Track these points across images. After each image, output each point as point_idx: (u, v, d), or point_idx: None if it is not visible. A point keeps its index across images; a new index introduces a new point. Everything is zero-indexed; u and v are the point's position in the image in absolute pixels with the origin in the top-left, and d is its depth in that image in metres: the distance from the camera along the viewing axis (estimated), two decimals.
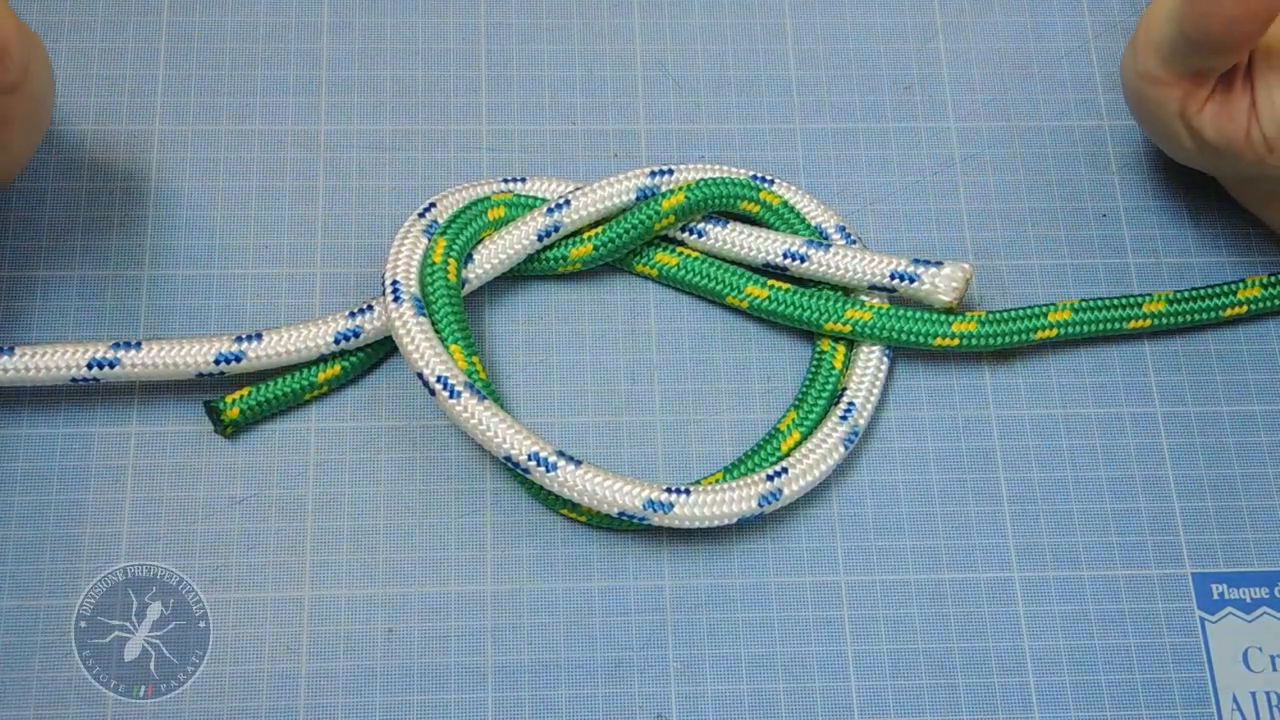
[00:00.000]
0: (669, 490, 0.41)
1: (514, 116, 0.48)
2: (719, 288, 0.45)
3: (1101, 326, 0.45)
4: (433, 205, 0.44)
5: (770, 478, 0.42)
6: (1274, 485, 0.45)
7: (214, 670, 0.41)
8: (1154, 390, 0.46)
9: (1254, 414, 0.46)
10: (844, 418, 0.43)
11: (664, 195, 0.44)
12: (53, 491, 0.42)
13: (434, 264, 0.42)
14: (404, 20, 0.49)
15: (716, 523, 0.41)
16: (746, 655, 0.42)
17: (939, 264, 0.44)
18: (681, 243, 0.46)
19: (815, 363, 0.45)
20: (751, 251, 0.45)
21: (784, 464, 0.42)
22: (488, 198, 0.45)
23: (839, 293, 0.45)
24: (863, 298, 0.45)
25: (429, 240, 0.43)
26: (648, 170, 0.45)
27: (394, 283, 0.42)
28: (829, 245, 0.44)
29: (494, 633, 0.42)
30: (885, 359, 0.44)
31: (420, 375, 0.41)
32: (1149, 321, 0.45)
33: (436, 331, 0.42)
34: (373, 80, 0.48)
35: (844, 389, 0.44)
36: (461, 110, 0.48)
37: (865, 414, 0.44)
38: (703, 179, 0.45)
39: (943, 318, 0.44)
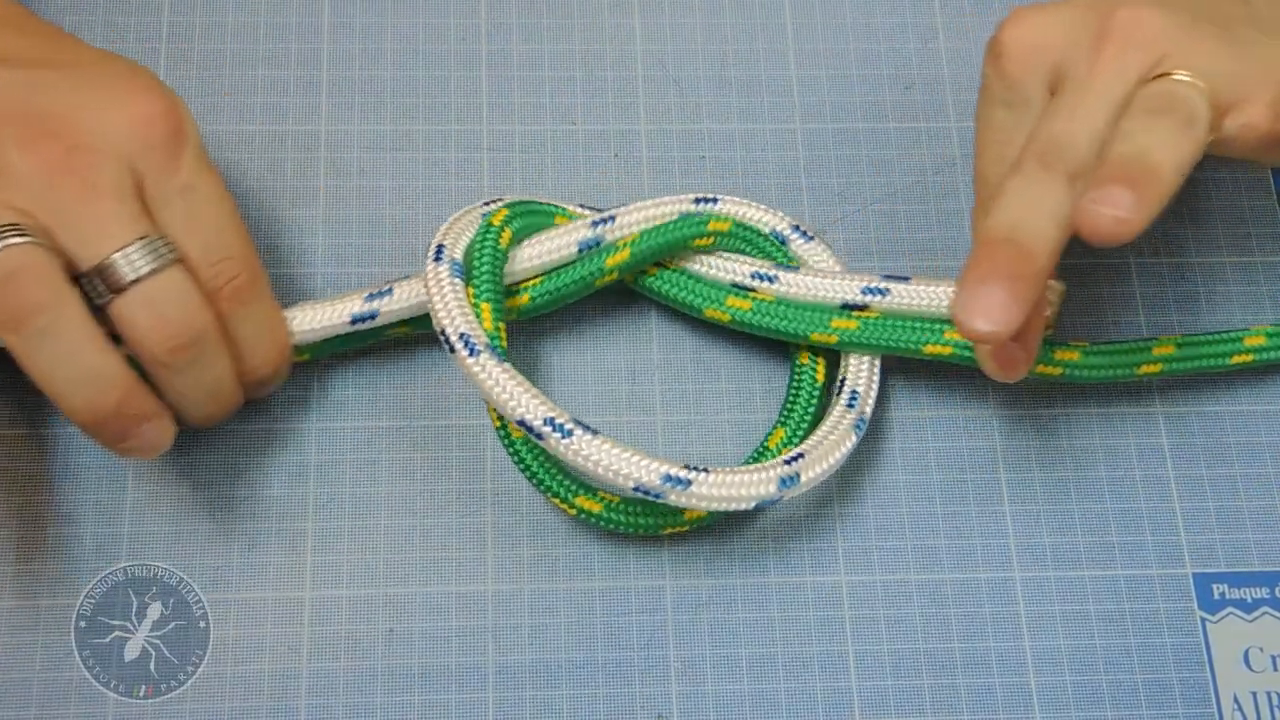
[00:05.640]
0: (688, 467, 0.39)
1: (514, 116, 0.48)
2: (698, 301, 0.44)
3: (1110, 373, 0.44)
4: (497, 200, 0.44)
5: (789, 461, 0.40)
6: (1274, 485, 0.45)
7: (214, 670, 0.41)
8: (1154, 390, 0.46)
9: (1254, 414, 0.46)
10: (850, 405, 0.43)
11: (609, 251, 0.43)
12: (53, 491, 0.42)
13: (492, 226, 0.42)
14: (404, 20, 0.49)
15: (734, 505, 0.39)
16: (747, 655, 0.42)
17: (906, 279, 0.43)
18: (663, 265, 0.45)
19: (796, 380, 0.44)
20: (720, 272, 0.44)
21: (800, 449, 0.41)
22: (554, 206, 0.44)
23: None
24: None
25: (489, 211, 0.43)
26: (692, 197, 0.44)
27: (440, 245, 0.41)
28: (796, 267, 0.44)
29: (495, 633, 0.42)
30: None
31: (443, 331, 0.40)
32: (1159, 366, 0.45)
33: (471, 287, 0.41)
34: (373, 80, 0.48)
35: (844, 379, 0.44)
36: (461, 110, 0.48)
37: (870, 400, 0.43)
38: (646, 229, 0.43)
39: (935, 325, 0.43)
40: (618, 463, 0.38)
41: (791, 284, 0.43)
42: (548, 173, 0.47)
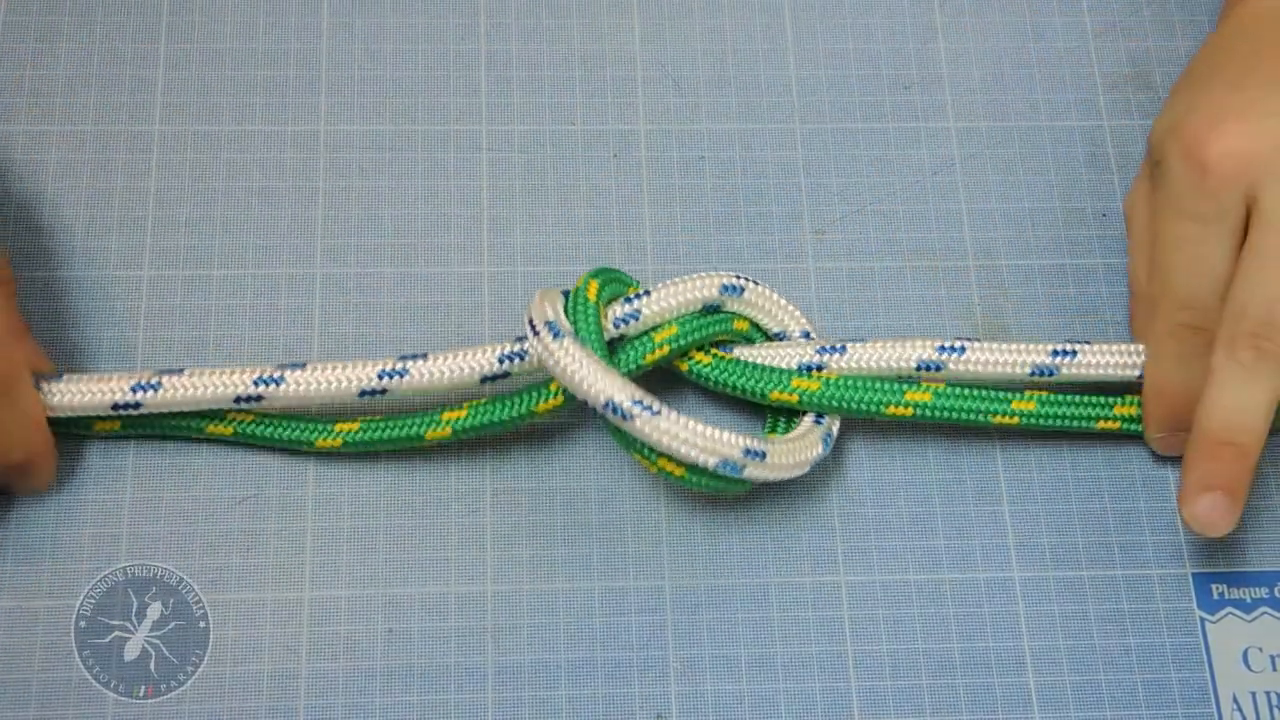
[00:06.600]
0: (759, 439, 0.40)
1: (514, 116, 0.48)
2: (873, 403, 0.43)
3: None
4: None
5: (818, 420, 0.42)
6: (1274, 485, 0.45)
7: (214, 670, 0.41)
8: None
9: None
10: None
11: (646, 348, 0.42)
12: (53, 491, 0.42)
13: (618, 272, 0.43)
14: (404, 20, 0.49)
15: (798, 471, 0.41)
16: (746, 655, 0.42)
17: (1087, 343, 0.44)
18: None
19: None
20: (903, 355, 0.44)
21: (817, 405, 0.42)
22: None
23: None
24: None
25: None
26: (719, 283, 0.43)
27: (564, 293, 0.42)
28: (978, 339, 0.44)
29: (494, 633, 0.42)
30: None
31: (530, 319, 0.40)
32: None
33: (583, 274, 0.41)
34: (373, 80, 0.48)
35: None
36: (461, 110, 0.48)
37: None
38: (678, 330, 0.42)
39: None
40: (702, 440, 0.39)
41: (972, 360, 0.43)
42: (548, 173, 0.47)
